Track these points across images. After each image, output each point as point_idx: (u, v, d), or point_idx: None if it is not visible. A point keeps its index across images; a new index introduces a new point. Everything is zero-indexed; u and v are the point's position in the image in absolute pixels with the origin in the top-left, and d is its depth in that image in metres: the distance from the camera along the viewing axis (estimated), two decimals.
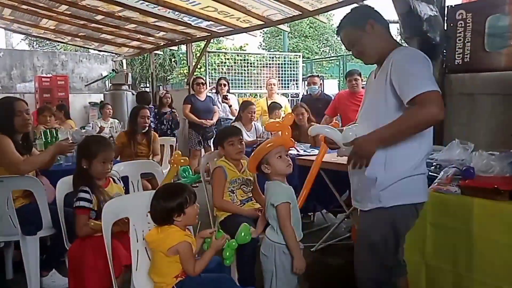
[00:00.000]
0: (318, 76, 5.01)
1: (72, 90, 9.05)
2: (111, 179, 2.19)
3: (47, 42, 15.15)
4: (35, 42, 18.40)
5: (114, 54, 8.86)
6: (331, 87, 8.84)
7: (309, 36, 21.68)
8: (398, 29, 3.23)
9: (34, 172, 2.54)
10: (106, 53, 9.33)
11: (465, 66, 2.94)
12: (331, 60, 16.45)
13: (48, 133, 3.43)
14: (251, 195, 2.48)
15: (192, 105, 5.28)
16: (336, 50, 21.19)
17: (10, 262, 2.66)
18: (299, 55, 7.66)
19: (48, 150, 2.62)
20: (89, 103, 8.79)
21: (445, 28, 2.99)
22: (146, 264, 1.81)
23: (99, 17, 5.52)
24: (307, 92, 7.48)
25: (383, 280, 1.61)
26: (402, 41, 3.42)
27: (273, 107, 4.62)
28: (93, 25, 5.95)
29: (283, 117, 3.76)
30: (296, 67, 7.40)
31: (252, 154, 1.82)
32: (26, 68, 9.12)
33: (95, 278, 1.92)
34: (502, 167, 1.74)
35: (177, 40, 6.43)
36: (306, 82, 5.76)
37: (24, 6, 5.33)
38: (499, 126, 2.77)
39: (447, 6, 3.01)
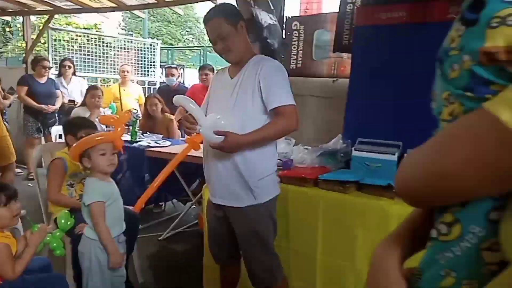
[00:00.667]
0: (176, 68, 5.00)
1: None
2: None
3: None
4: None
5: None
6: (193, 77, 8.95)
7: (172, 22, 21.26)
8: None
9: None
10: None
11: (298, 71, 3.41)
12: (193, 49, 16.51)
13: None
14: None
15: (29, 87, 4.66)
16: (199, 39, 21.36)
17: None
18: (157, 42, 7.49)
19: None
20: None
21: (283, 36, 3.40)
22: None
23: None
24: (163, 81, 7.43)
25: (274, 265, 1.78)
26: None
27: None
28: None
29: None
30: (154, 54, 7.23)
31: (78, 142, 1.76)
32: None
33: None
34: (311, 159, 2.14)
35: (10, 10, 5.51)
36: (164, 71, 5.71)
37: None
38: (322, 124, 3.33)
39: (286, 17, 3.43)
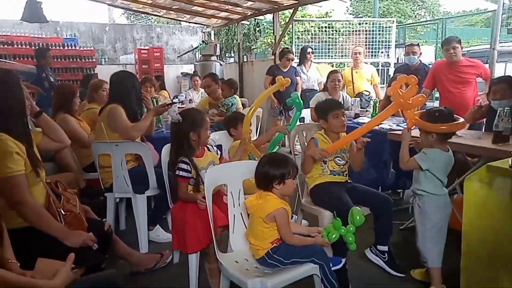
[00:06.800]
0: (418, 45, 4.57)
1: (166, 61, 9.69)
2: (205, 148, 2.33)
3: (143, 15, 16.27)
4: (132, 16, 19.89)
5: (203, 26, 9.19)
6: (427, 55, 8.11)
7: None
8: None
9: (140, 138, 2.84)
10: (196, 25, 9.72)
11: None
12: (427, 24, 14.99)
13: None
14: (345, 170, 2.47)
15: (274, 76, 5.35)
16: (433, 13, 19.21)
17: (124, 215, 3.07)
18: (393, 21, 7.10)
19: (148, 115, 2.87)
20: (181, 73, 9.35)
21: None
22: (241, 228, 1.95)
23: None
24: (397, 60, 6.99)
25: None
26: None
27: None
28: None
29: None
30: (388, 34, 6.90)
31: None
32: (128, 41, 9.97)
33: (194, 237, 2.11)
34: None
35: (264, 10, 6.41)
36: (402, 50, 5.37)
37: None
38: None
39: None
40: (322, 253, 1.71)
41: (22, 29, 8.06)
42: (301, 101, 2.92)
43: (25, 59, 7.40)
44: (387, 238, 2.38)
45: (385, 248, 2.38)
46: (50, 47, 6.89)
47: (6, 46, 7.50)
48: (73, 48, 8.31)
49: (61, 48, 8.17)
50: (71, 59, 8.21)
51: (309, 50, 5.53)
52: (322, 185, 2.37)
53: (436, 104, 4.84)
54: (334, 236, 1.70)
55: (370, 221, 2.32)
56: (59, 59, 7.92)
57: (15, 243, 1.40)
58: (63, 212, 1.81)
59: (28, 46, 7.78)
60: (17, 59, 7.35)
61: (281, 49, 5.70)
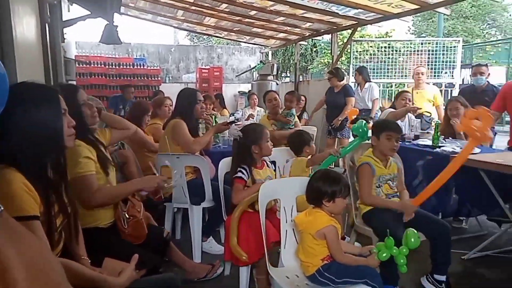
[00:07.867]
0: (486, 65, 4.32)
1: (225, 80, 10.08)
2: (265, 163, 2.39)
3: (204, 37, 17.14)
4: (195, 38, 21.04)
5: (262, 46, 9.46)
6: (497, 76, 7.60)
7: (471, 16, 18.92)
8: None
9: (199, 152, 2.98)
10: (254, 46, 10.03)
11: None
12: (498, 43, 14.13)
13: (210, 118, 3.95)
14: (396, 190, 2.39)
15: (326, 97, 5.38)
16: (505, 31, 18.00)
17: (180, 225, 3.20)
18: (459, 40, 6.78)
19: (209, 131, 3.05)
20: (238, 92, 9.65)
21: None
22: (293, 243, 1.96)
23: (252, 13, 5.97)
24: (463, 82, 6.61)
25: None
26: None
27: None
28: (246, 20, 6.47)
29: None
30: (453, 54, 6.60)
31: None
32: (190, 61, 10.57)
33: (246, 249, 2.13)
34: None
35: (322, 30, 6.47)
36: (469, 71, 5.11)
37: (193, 7, 6.17)
38: None
39: None
40: (376, 276, 1.66)
41: (98, 50, 8.89)
42: (366, 129, 2.67)
43: (100, 77, 8.15)
44: (445, 267, 2.25)
45: (443, 278, 2.24)
46: (121, 66, 7.56)
47: (85, 65, 8.31)
48: (142, 67, 8.98)
49: (131, 67, 8.87)
50: (139, 78, 8.86)
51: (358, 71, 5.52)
52: (375, 209, 2.31)
53: (507, 128, 4.51)
54: (384, 255, 1.64)
55: (427, 248, 2.22)
56: (128, 77, 8.59)
57: (85, 241, 1.55)
58: (127, 216, 1.95)
59: (102, 65, 8.56)
60: (93, 77, 8.11)
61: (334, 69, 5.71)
